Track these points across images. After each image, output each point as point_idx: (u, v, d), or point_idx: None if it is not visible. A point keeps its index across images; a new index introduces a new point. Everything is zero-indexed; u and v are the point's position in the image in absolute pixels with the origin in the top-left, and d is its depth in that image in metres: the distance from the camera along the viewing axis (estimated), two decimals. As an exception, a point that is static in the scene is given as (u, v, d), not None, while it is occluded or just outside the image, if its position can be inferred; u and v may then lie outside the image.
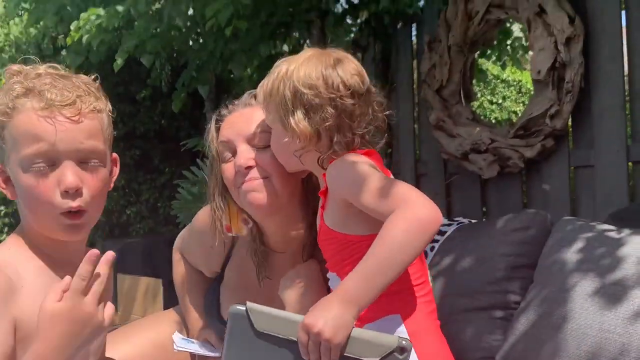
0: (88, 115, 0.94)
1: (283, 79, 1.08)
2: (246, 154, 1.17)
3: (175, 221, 3.17)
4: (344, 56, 1.12)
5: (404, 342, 0.87)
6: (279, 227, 1.25)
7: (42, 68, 0.97)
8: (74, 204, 0.92)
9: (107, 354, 1.44)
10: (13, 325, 0.88)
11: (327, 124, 1.05)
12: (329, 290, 1.09)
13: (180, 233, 1.56)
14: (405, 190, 0.94)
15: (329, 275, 1.10)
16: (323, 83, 1.05)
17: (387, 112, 1.13)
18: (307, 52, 1.12)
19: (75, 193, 0.92)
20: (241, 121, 1.20)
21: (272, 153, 1.17)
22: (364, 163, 1.03)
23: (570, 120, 2.13)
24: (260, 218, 1.24)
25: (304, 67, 1.07)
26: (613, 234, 1.36)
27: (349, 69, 1.08)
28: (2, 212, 4.86)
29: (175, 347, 1.38)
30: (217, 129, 1.25)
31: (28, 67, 0.97)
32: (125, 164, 4.61)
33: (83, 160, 0.94)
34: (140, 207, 4.85)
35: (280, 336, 0.88)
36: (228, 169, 1.20)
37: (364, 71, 1.12)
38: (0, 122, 0.92)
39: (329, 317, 0.85)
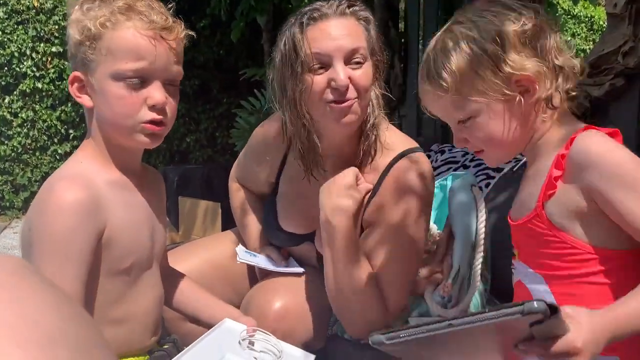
0: (180, 41, 1.01)
1: (488, 37, 0.90)
2: (346, 73, 1.14)
3: (233, 149, 3.26)
4: None
5: None
6: (342, 138, 1.27)
7: None
8: (158, 117, 1.00)
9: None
10: (99, 237, 0.96)
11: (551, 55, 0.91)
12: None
13: (235, 162, 1.61)
14: None
15: (516, 263, 0.97)
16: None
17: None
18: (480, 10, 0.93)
19: (161, 109, 1.00)
20: (340, 35, 1.14)
21: (363, 71, 1.16)
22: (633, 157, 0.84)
23: (645, 58, 2.01)
24: (340, 134, 1.24)
25: (500, 17, 0.90)
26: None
27: None
28: (71, 136, 5.12)
29: (238, 259, 1.44)
30: (303, 26, 1.16)
31: None
32: (185, 93, 4.72)
33: (168, 82, 1.01)
34: (199, 135, 4.99)
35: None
36: (319, 82, 1.15)
37: None
38: (97, 32, 0.96)
39: (595, 346, 0.75)
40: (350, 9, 1.17)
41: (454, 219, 1.31)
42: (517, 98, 0.90)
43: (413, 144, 1.31)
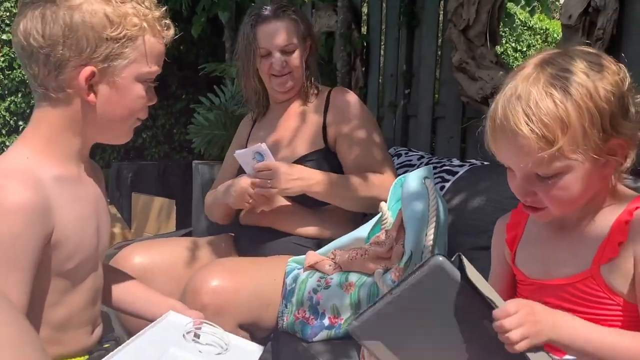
0: None
1: (584, 98, 0.84)
2: (281, 60, 1.71)
3: (191, 146, 3.19)
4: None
5: None
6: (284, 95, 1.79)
7: None
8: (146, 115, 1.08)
9: (124, 264, 1.50)
10: (47, 240, 0.91)
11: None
12: None
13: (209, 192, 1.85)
14: None
15: None
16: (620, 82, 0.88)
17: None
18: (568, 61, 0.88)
19: None
20: (276, 35, 1.70)
21: (296, 55, 1.72)
22: None
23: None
24: (281, 94, 1.78)
25: (607, 78, 0.87)
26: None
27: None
28: (21, 127, 4.92)
29: (235, 152, 1.64)
30: (253, 26, 1.71)
31: None
32: (142, 88, 4.60)
33: None
34: (155, 131, 4.89)
35: (485, 295, 0.79)
36: (264, 63, 1.73)
37: None
38: (136, 34, 0.97)
39: (539, 326, 0.79)
40: (283, 12, 1.72)
41: (405, 208, 1.34)
42: (604, 161, 0.86)
43: None
